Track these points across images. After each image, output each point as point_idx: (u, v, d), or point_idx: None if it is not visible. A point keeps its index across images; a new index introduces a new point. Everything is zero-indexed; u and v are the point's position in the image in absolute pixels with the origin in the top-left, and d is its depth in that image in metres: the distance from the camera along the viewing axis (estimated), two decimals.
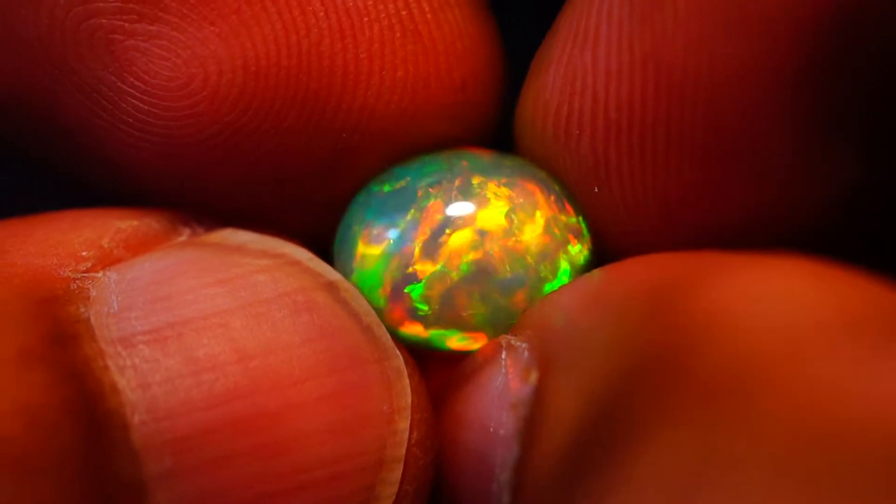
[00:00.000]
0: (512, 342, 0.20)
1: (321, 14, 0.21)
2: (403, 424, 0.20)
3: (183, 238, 0.21)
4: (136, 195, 0.22)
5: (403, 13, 0.21)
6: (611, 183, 0.21)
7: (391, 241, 0.21)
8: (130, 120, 0.21)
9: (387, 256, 0.21)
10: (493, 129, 0.23)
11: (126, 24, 0.20)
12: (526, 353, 0.20)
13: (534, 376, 0.19)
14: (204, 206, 0.22)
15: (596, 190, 0.21)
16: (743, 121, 0.20)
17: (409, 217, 0.21)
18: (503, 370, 0.20)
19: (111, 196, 0.22)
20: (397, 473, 0.20)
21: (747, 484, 0.14)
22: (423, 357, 0.22)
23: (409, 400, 0.20)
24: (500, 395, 0.20)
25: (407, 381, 0.20)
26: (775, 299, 0.16)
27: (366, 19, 0.21)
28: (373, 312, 0.21)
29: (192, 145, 0.21)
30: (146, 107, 0.21)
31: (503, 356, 0.20)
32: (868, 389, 0.14)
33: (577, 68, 0.21)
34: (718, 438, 0.14)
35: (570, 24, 0.21)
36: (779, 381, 0.15)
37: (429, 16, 0.21)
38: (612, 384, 0.17)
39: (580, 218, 0.22)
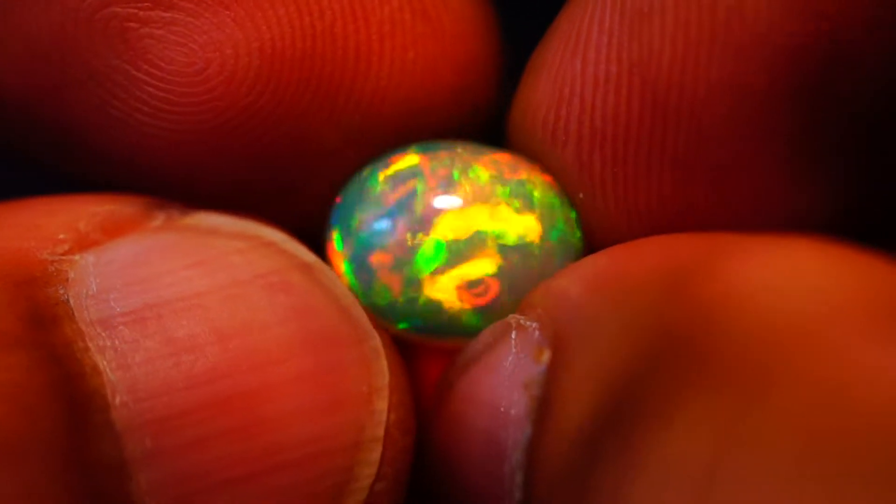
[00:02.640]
0: (521, 321, 0.20)
1: None
2: (382, 405, 0.20)
3: (158, 221, 0.21)
4: (143, 186, 0.22)
5: None
6: (595, 191, 0.21)
7: (383, 224, 0.21)
8: (146, 108, 0.21)
9: (377, 239, 0.21)
10: (491, 118, 0.23)
11: (141, 12, 0.20)
12: (537, 332, 0.20)
13: (546, 355, 0.19)
14: (210, 194, 0.22)
15: (581, 196, 0.22)
16: (727, 138, 0.20)
17: (401, 200, 0.21)
18: (513, 350, 0.20)
19: (115, 188, 0.22)
20: (376, 454, 0.20)
21: (766, 469, 0.14)
22: (417, 349, 0.22)
23: (387, 380, 0.20)
24: (512, 375, 0.20)
25: (385, 362, 0.20)
26: (793, 280, 0.16)
27: (377, 1, 0.21)
28: (350, 294, 0.21)
29: (207, 131, 0.21)
30: (162, 94, 0.21)
31: (513, 336, 0.20)
32: (892, 373, 0.14)
33: (567, 74, 0.21)
34: (740, 420, 0.14)
35: (563, 30, 0.21)
36: (800, 364, 0.15)
37: None
38: (628, 366, 0.17)
39: (572, 209, 0.22)
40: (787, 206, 0.21)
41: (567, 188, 0.22)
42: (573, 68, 0.21)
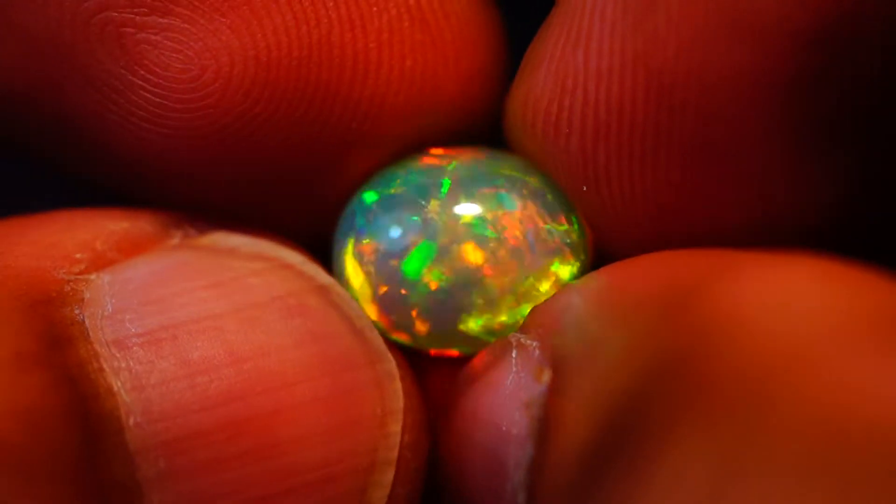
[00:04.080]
0: (522, 340, 0.20)
1: (331, 4, 0.21)
2: (395, 427, 0.20)
3: (175, 241, 0.21)
4: (142, 191, 0.22)
5: (411, 2, 0.21)
6: (599, 183, 0.21)
7: (379, 254, 0.21)
8: (142, 113, 0.21)
9: (375, 269, 0.21)
10: (493, 123, 0.23)
11: (137, 17, 0.20)
12: (537, 351, 0.20)
13: (547, 375, 0.19)
14: (210, 203, 0.22)
15: (584, 189, 0.21)
16: (732, 127, 0.20)
17: (398, 230, 0.21)
18: (514, 369, 0.20)
19: (114, 192, 0.22)
20: (389, 476, 0.20)
21: (770, 490, 0.14)
22: (420, 360, 0.22)
23: (402, 403, 0.20)
24: (512, 394, 0.20)
25: (399, 384, 0.20)
26: (792, 300, 0.16)
27: (374, 8, 0.21)
28: (365, 316, 0.21)
29: (204, 138, 0.21)
30: (158, 100, 0.21)
31: (513, 355, 0.20)
32: (892, 391, 0.14)
33: (569, 66, 0.21)
34: (741, 443, 0.14)
35: (563, 21, 0.21)
36: (800, 384, 0.15)
37: (436, 5, 0.21)
38: (629, 387, 0.17)
39: (574, 227, 0.22)
40: (792, 195, 0.21)
41: (569, 181, 0.22)
42: (575, 60, 0.21)
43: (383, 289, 0.21)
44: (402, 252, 0.21)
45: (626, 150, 0.21)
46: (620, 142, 0.21)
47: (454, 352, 0.22)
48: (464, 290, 0.21)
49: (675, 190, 0.21)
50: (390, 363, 0.20)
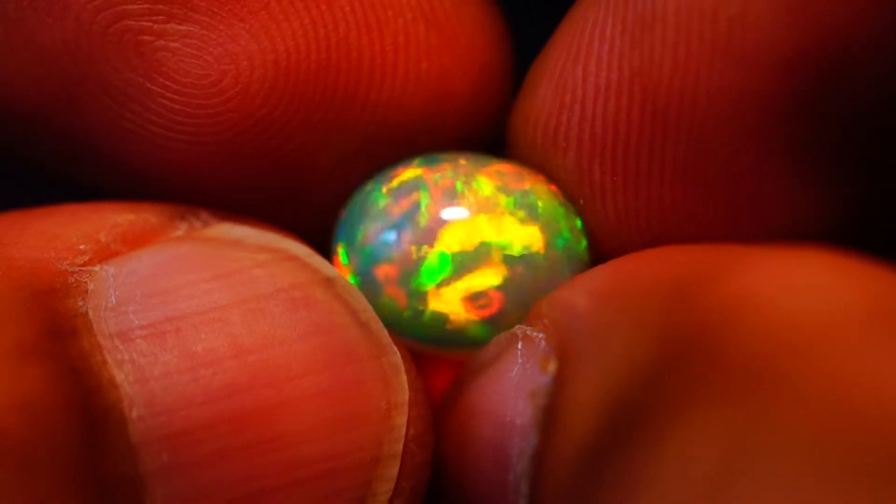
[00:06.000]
0: (528, 332, 0.20)
1: (347, 8, 0.21)
2: (401, 421, 0.20)
3: (179, 232, 0.21)
4: (154, 196, 0.22)
5: (426, 6, 0.21)
6: (595, 198, 0.21)
7: (387, 237, 0.21)
8: (160, 121, 0.21)
9: (383, 252, 0.21)
10: (497, 136, 0.23)
11: (155, 25, 0.20)
12: (543, 342, 0.20)
13: (552, 365, 0.19)
14: (222, 205, 0.22)
15: (581, 203, 0.22)
16: (725, 148, 0.20)
17: (405, 212, 0.21)
18: (519, 360, 0.20)
19: (125, 199, 0.22)
20: (394, 470, 0.20)
21: (778, 472, 0.14)
22: (423, 357, 0.22)
23: (407, 396, 0.20)
24: (518, 385, 0.20)
25: (404, 377, 0.20)
26: (803, 286, 0.16)
27: (390, 12, 0.21)
28: (370, 308, 0.21)
29: (221, 144, 0.21)
30: (177, 106, 0.21)
31: (519, 346, 0.20)
32: None
33: (568, 82, 0.21)
34: (749, 425, 0.14)
35: (565, 38, 0.22)
36: (810, 367, 0.15)
37: (449, 9, 0.22)
38: (636, 375, 0.17)
39: (577, 217, 0.22)
40: (788, 213, 0.21)
41: (568, 195, 0.22)
42: (574, 76, 0.21)
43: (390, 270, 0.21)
44: (408, 236, 0.21)
45: (620, 166, 0.21)
46: (615, 158, 0.21)
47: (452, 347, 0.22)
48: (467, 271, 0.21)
49: (669, 208, 0.21)
50: (395, 356, 0.20)
